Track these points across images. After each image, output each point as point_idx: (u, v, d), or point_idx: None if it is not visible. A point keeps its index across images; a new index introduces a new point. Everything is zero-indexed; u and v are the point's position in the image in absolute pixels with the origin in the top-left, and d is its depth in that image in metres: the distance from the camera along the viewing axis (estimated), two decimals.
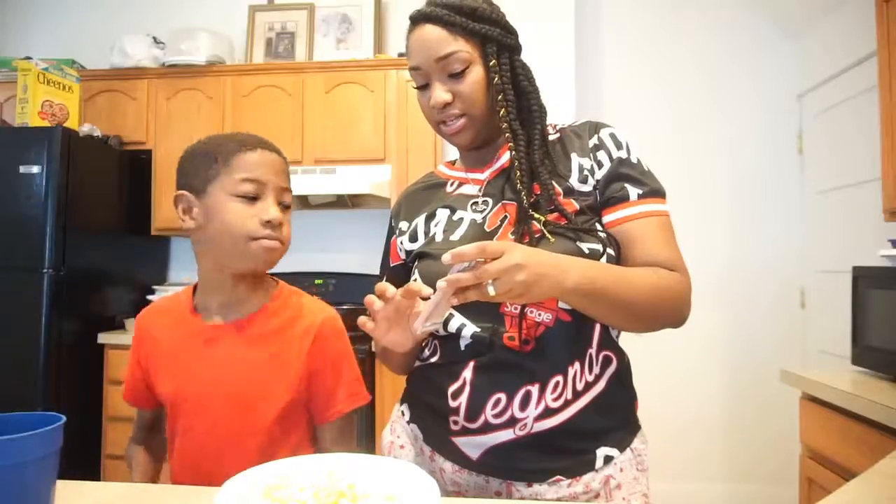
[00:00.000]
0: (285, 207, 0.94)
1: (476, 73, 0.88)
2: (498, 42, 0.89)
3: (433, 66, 0.89)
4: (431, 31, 0.88)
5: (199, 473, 0.91)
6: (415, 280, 0.92)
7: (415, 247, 0.97)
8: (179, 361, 0.94)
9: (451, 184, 1.00)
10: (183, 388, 0.93)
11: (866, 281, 1.80)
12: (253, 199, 0.90)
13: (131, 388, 1.02)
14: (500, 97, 0.89)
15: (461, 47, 0.87)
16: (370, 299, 0.78)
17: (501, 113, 0.89)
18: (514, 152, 0.88)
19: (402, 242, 1.00)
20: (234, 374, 0.93)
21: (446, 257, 0.69)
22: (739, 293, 2.90)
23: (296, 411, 0.95)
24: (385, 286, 0.78)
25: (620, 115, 2.87)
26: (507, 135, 0.89)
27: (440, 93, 0.89)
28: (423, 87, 0.92)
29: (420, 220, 0.98)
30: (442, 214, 0.96)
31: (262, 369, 0.93)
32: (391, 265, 1.03)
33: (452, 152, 1.11)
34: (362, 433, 2.41)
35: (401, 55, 2.79)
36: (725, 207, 2.96)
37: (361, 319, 0.80)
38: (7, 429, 0.63)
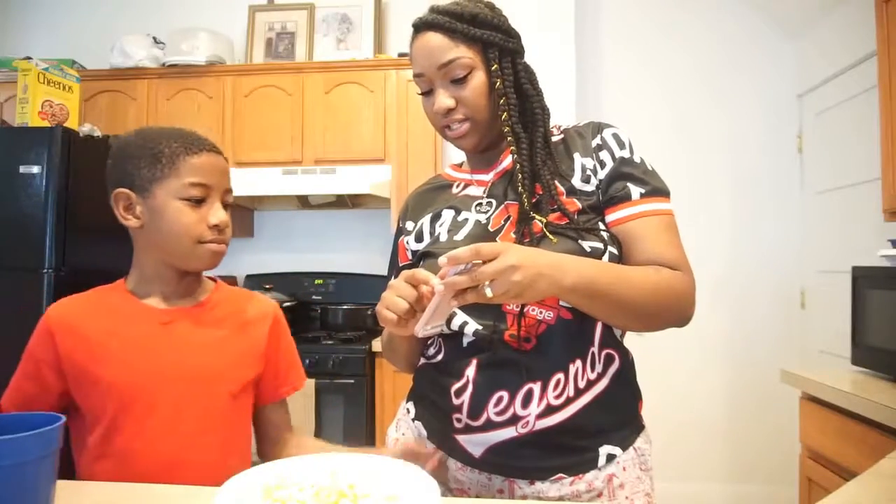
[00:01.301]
0: (227, 206, 0.96)
1: (478, 79, 0.89)
2: (499, 47, 0.89)
3: (436, 73, 0.89)
4: (433, 39, 0.89)
5: (151, 466, 0.88)
6: None
7: (420, 247, 0.97)
8: (130, 347, 0.91)
9: (457, 185, 1.01)
10: (136, 373, 0.89)
11: (866, 281, 1.80)
12: (199, 201, 0.91)
13: (22, 396, 0.91)
14: (501, 101, 0.89)
15: (463, 54, 0.88)
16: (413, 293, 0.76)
17: (503, 117, 0.89)
18: (515, 156, 0.89)
19: (408, 242, 1.01)
20: (198, 354, 0.93)
21: (442, 260, 0.70)
22: (739, 293, 2.90)
23: (248, 391, 0.99)
24: (429, 275, 0.75)
25: (620, 115, 2.87)
26: (509, 138, 0.89)
27: (443, 99, 0.90)
28: (427, 93, 0.93)
29: (425, 221, 0.99)
30: (447, 215, 0.96)
31: (225, 348, 0.96)
32: (400, 265, 1.04)
33: (453, 152, 1.12)
34: (363, 433, 2.41)
35: (401, 55, 2.79)
36: (725, 207, 2.96)
37: (387, 313, 0.78)
38: (7, 429, 0.63)
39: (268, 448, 1.04)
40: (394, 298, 0.77)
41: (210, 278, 1.04)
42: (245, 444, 0.99)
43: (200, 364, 0.93)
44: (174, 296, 0.96)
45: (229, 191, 0.96)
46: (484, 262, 0.70)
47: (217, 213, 0.92)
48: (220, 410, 0.94)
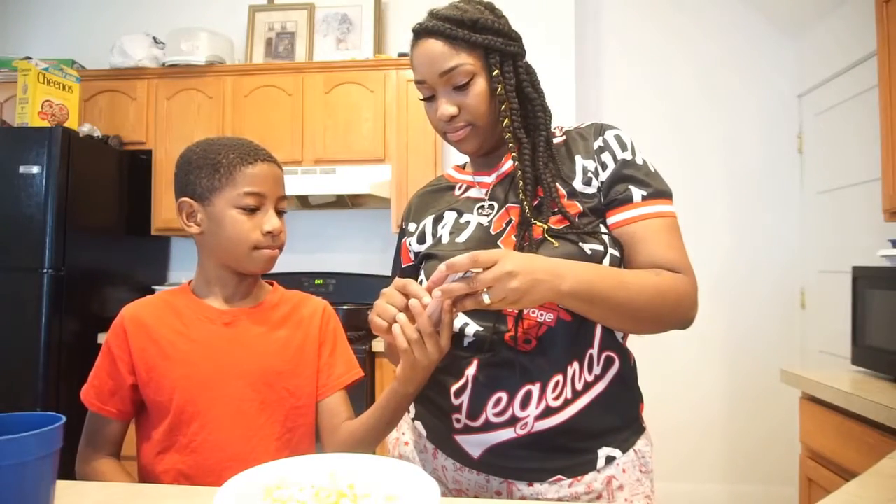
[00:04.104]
0: (281, 213, 1.01)
1: (480, 85, 0.89)
2: (501, 52, 0.89)
3: (437, 81, 0.89)
4: (434, 46, 0.88)
5: (214, 458, 0.92)
6: (420, 282, 0.93)
7: (422, 248, 0.98)
8: (196, 346, 0.96)
9: (459, 187, 1.01)
10: (202, 371, 0.95)
11: (866, 281, 1.80)
12: (254, 209, 0.95)
13: (100, 390, 0.96)
14: (503, 107, 0.89)
15: (464, 60, 0.87)
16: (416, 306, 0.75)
17: (505, 123, 0.89)
18: (517, 161, 0.89)
19: (410, 244, 1.01)
20: (258, 351, 0.98)
21: (441, 268, 0.71)
22: (739, 293, 2.91)
23: (308, 385, 1.02)
24: (423, 292, 0.75)
25: (620, 115, 2.88)
26: (510, 144, 0.89)
27: (446, 106, 0.90)
28: (429, 99, 0.93)
29: (428, 222, 0.99)
30: (449, 217, 0.97)
31: (284, 346, 1.01)
32: (403, 266, 1.04)
33: (453, 152, 1.12)
34: None
35: (401, 55, 2.79)
36: (725, 208, 2.96)
37: (394, 327, 0.77)
38: (7, 429, 0.63)
39: (328, 439, 1.04)
40: (384, 306, 0.78)
41: (267, 281, 1.09)
42: (307, 437, 1.02)
43: (261, 361, 0.98)
44: (235, 297, 1.01)
45: (283, 198, 1.01)
46: (483, 270, 0.71)
47: (271, 221, 0.96)
48: (281, 405, 0.98)
